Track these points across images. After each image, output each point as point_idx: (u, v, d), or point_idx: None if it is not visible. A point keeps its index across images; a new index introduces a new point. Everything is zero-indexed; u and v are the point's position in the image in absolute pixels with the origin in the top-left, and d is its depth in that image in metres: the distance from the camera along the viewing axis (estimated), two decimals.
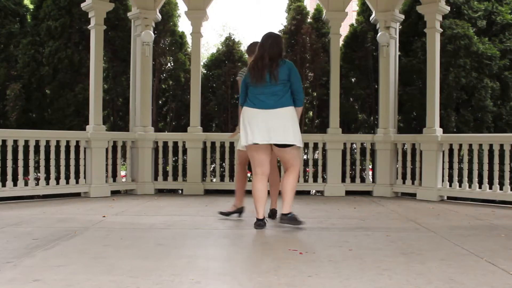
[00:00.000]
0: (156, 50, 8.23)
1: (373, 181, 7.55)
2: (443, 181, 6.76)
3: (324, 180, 7.55)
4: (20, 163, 6.19)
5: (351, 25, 8.79)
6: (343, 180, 7.45)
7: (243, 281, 2.61)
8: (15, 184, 6.15)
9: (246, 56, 5.18)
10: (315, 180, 7.49)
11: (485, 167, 6.34)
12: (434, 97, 6.89)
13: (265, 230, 4.17)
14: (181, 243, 3.64)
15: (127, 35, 8.04)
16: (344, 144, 7.49)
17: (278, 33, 4.60)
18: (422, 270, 2.84)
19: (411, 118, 8.26)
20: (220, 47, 8.89)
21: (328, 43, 8.14)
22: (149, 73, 7.57)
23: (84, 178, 6.72)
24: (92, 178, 6.70)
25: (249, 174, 7.93)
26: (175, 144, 7.53)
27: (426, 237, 3.96)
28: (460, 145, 6.66)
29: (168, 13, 8.57)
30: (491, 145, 6.33)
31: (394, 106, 7.55)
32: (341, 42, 8.14)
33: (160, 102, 8.77)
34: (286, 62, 4.22)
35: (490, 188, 6.30)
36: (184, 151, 7.51)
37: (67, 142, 6.60)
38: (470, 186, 6.49)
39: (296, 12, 8.57)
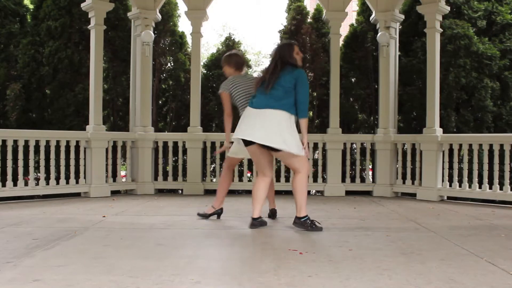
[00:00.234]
0: (156, 50, 8.24)
1: (373, 181, 7.56)
2: (443, 181, 6.76)
3: (324, 180, 7.56)
4: (20, 163, 6.20)
5: (351, 25, 8.79)
6: (343, 180, 7.46)
7: (243, 281, 2.61)
8: (15, 184, 6.16)
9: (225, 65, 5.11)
10: (315, 180, 7.49)
11: (485, 167, 6.34)
12: (434, 97, 6.89)
13: (265, 230, 4.17)
14: (181, 243, 3.64)
15: (127, 35, 8.05)
16: (344, 144, 7.50)
17: (292, 41, 4.49)
18: (422, 270, 2.84)
19: (411, 118, 8.26)
20: (220, 47, 8.90)
21: (328, 43, 8.14)
22: (149, 73, 7.57)
23: (84, 178, 6.73)
24: (92, 178, 6.70)
25: (249, 174, 7.98)
26: (175, 144, 7.54)
27: (426, 237, 3.96)
28: (460, 145, 6.66)
29: (168, 13, 8.58)
30: (491, 145, 6.33)
31: (394, 106, 7.55)
32: (341, 42, 8.15)
33: (160, 102, 8.78)
34: (295, 71, 4.14)
35: (490, 188, 6.30)
36: (184, 151, 7.52)
37: (67, 142, 6.61)
38: (470, 186, 6.49)
39: (296, 12, 8.58)
